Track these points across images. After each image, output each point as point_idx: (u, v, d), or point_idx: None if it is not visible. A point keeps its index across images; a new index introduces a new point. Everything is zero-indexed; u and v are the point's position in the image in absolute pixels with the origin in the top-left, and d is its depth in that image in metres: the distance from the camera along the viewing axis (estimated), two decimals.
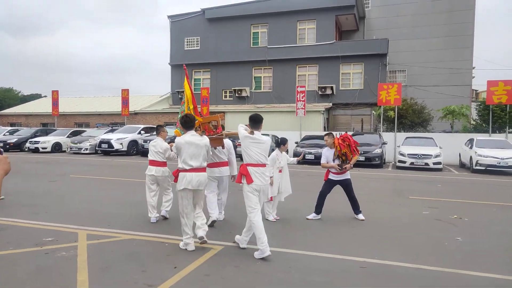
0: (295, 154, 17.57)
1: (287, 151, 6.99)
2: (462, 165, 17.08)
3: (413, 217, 7.00)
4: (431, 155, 15.24)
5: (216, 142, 5.88)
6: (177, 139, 4.95)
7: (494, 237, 5.81)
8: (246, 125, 4.95)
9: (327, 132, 6.84)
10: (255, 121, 4.88)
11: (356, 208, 6.78)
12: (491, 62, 63.67)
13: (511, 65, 72.92)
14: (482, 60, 65.07)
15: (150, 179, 6.45)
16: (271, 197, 6.48)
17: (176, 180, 4.99)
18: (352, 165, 6.66)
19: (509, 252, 5.10)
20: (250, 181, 4.70)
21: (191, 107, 6.10)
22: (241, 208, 7.34)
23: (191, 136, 4.92)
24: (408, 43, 28.88)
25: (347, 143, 6.58)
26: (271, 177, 6.08)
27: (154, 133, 20.77)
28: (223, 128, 6.19)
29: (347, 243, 5.33)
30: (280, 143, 6.74)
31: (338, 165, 6.57)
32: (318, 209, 6.70)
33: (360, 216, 6.70)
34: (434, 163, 15.14)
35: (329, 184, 6.79)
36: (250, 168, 4.73)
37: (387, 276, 4.13)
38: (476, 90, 35.12)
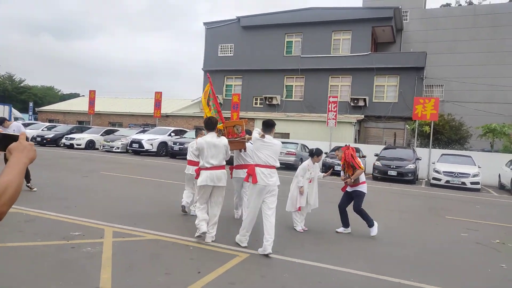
0: (324, 165, 17.22)
1: (321, 163, 6.82)
2: (501, 187, 16.13)
3: (451, 239, 6.56)
4: (469, 174, 14.47)
5: (239, 145, 6.18)
6: (199, 140, 5.48)
7: None
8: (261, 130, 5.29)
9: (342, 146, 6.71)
10: (267, 126, 5.23)
11: (345, 223, 6.42)
12: None
13: None
14: None
15: (187, 177, 6.88)
16: (299, 207, 6.29)
17: (197, 177, 5.40)
18: (352, 180, 6.29)
19: None
20: (255, 181, 4.98)
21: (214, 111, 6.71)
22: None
23: (212, 137, 5.32)
24: (447, 57, 27.91)
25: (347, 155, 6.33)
26: (301, 186, 6.26)
27: (184, 135, 20.99)
28: (247, 133, 6.40)
29: (381, 261, 5.02)
30: (314, 153, 6.51)
31: (342, 178, 6.50)
32: (344, 223, 6.41)
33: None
34: (471, 183, 14.36)
35: (345, 196, 6.54)
36: (257, 169, 5.02)
37: None
38: None
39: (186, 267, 4.29)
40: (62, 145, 22.29)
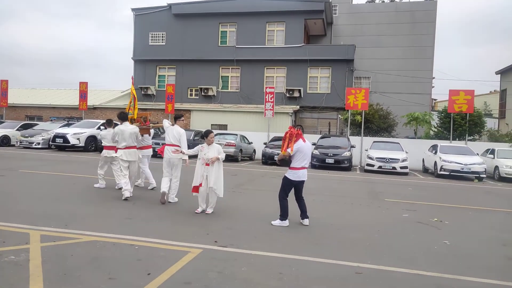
0: (264, 155, 17.21)
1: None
2: (425, 170, 17.49)
3: (394, 220, 6.79)
4: (399, 160, 15.42)
5: (144, 131, 8.37)
6: (116, 128, 7.68)
7: (480, 240, 5.69)
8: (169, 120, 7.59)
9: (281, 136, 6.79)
10: (176, 118, 7.49)
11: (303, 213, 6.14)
12: (446, 73, 67.21)
13: (467, 77, 77.45)
14: (439, 71, 68.50)
15: (104, 160, 8.71)
16: (194, 188, 6.42)
17: (162, 153, 7.46)
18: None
19: (499, 256, 4.96)
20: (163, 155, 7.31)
21: (132, 106, 8.65)
22: (221, 205, 6.84)
23: (125, 126, 7.57)
24: (373, 50, 29.52)
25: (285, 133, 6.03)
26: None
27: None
28: (150, 122, 8.68)
29: (335, 246, 4.96)
30: (203, 135, 6.62)
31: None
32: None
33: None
34: (401, 167, 15.33)
35: None
36: (166, 147, 7.23)
37: (389, 284, 3.77)
38: (435, 99, 36.65)
39: (133, 269, 3.80)
40: None
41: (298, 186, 6.03)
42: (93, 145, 18.86)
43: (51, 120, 24.03)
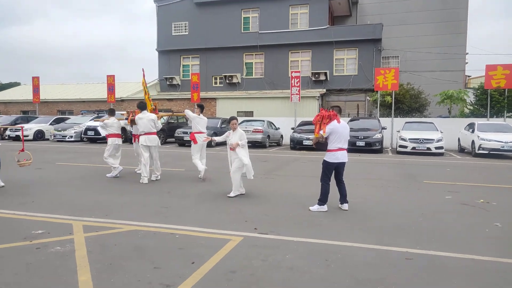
0: (292, 140, 17.00)
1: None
2: (461, 150, 16.78)
3: (438, 202, 6.48)
4: (433, 140, 14.84)
5: (133, 122, 8.87)
6: (136, 116, 8.32)
7: None
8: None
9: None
10: (201, 107, 8.72)
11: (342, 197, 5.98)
12: (480, 48, 63.96)
13: (502, 52, 73.53)
14: (473, 47, 65.20)
15: (115, 147, 9.12)
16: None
17: (135, 140, 9.02)
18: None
19: None
20: (195, 142, 8.41)
21: (147, 97, 9.32)
22: (254, 191, 6.77)
23: (143, 114, 8.28)
24: (401, 28, 28.39)
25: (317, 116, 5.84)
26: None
27: None
28: (159, 111, 10.07)
29: (380, 232, 4.75)
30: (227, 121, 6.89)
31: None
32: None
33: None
34: (436, 148, 14.76)
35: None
36: (196, 135, 8.40)
37: (443, 271, 3.56)
38: (468, 76, 35.05)
39: (177, 258, 3.76)
40: (6, 137, 20.40)
41: (338, 168, 5.85)
42: (123, 136, 19.18)
43: (82, 114, 24.66)
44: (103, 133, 9.32)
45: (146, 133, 8.14)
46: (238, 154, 6.49)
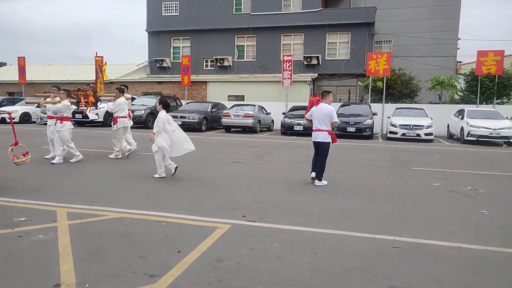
0: (283, 125, 16.92)
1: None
2: (450, 136, 16.91)
3: (426, 189, 6.52)
4: (423, 126, 14.90)
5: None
6: (121, 99, 9.12)
7: None
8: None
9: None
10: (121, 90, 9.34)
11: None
12: (472, 34, 63.91)
13: (494, 37, 73.54)
14: (464, 32, 65.05)
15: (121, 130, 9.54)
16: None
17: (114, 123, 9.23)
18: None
19: None
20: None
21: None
22: (244, 177, 6.71)
23: (123, 98, 9.17)
24: (394, 12, 28.06)
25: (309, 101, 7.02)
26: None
27: (133, 102, 19.55)
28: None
29: (367, 219, 4.75)
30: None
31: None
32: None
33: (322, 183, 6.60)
34: (425, 134, 14.83)
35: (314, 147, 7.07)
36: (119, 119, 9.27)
37: (431, 258, 3.56)
38: (459, 62, 35.07)
39: (163, 246, 3.70)
40: None
41: (316, 146, 6.74)
42: (112, 119, 18.90)
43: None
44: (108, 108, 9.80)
45: (125, 116, 9.17)
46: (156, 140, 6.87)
